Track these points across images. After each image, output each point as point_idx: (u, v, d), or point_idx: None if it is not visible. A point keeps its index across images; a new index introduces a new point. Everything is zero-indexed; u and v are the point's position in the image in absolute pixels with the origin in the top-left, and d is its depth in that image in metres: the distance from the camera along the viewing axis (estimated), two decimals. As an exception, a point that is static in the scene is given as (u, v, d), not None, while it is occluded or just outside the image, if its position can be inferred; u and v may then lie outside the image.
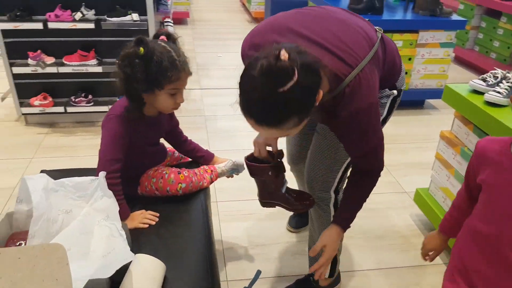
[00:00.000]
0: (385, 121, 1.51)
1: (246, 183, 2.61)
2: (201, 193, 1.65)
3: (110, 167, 1.38)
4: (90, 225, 1.19)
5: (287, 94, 1.00)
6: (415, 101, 3.67)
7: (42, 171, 1.67)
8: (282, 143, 1.55)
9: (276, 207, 1.58)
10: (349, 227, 1.44)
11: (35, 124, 3.03)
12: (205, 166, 1.76)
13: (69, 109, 2.89)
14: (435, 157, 2.16)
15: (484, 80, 1.89)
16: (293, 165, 1.93)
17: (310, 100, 1.07)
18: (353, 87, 1.17)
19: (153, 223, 1.45)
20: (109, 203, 1.23)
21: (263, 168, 1.44)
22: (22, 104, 2.91)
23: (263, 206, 1.59)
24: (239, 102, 1.11)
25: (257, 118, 1.08)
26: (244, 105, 1.10)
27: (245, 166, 1.51)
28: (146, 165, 1.61)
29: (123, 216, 1.37)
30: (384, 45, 1.34)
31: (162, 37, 1.45)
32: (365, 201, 1.42)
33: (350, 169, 1.48)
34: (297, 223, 2.20)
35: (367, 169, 1.37)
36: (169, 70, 1.35)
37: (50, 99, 2.86)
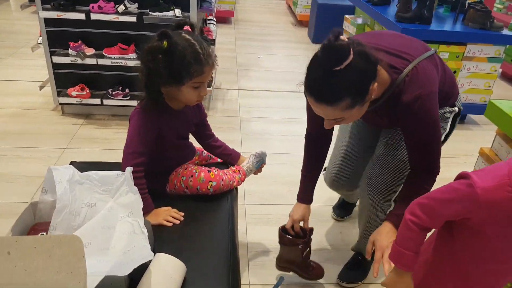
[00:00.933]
0: (447, 137, 1.60)
1: (276, 188, 2.66)
2: (228, 194, 1.61)
3: (131, 160, 1.38)
4: (112, 220, 1.17)
5: (342, 73, 1.11)
6: (456, 115, 3.51)
7: (71, 163, 1.68)
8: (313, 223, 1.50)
9: (291, 272, 1.77)
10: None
11: (70, 115, 3.09)
12: (232, 166, 1.72)
13: (106, 102, 2.93)
14: (474, 175, 2.04)
15: (534, 98, 1.77)
16: (336, 188, 1.98)
17: (364, 84, 1.18)
18: (411, 76, 1.29)
19: (177, 222, 1.42)
20: (134, 199, 1.21)
21: (297, 242, 1.66)
22: (59, 94, 2.97)
23: (279, 270, 1.78)
24: (304, 82, 1.21)
25: (316, 95, 1.19)
26: (306, 84, 1.20)
27: (278, 233, 1.70)
28: (175, 160, 1.59)
29: (146, 210, 1.35)
30: (442, 62, 1.48)
31: (187, 27, 1.42)
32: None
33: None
34: (340, 212, 2.27)
35: (424, 166, 1.40)
36: (192, 65, 1.33)
37: (87, 90, 2.91)
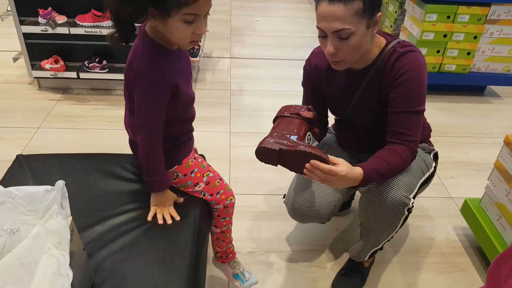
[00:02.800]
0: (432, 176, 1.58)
1: (264, 175, 2.29)
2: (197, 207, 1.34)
3: (149, 143, 1.19)
4: (36, 253, 0.94)
5: None
6: (475, 86, 3.17)
7: (17, 157, 1.45)
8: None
9: (278, 165, 1.32)
10: (366, 183, 1.29)
11: (48, 89, 2.83)
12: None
13: (82, 75, 2.65)
14: (494, 165, 1.76)
15: None
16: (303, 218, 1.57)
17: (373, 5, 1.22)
18: (402, 42, 1.35)
19: (167, 223, 1.25)
20: (62, 225, 0.97)
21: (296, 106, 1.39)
22: (33, 67, 2.70)
23: (259, 154, 1.31)
24: None
25: None
26: None
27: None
28: (187, 124, 1.33)
29: (156, 188, 1.24)
30: None
31: None
32: (390, 170, 1.32)
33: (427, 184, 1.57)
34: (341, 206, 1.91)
35: (405, 136, 1.34)
36: None
37: (62, 62, 2.63)
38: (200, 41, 1.13)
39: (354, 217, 2.01)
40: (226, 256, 1.52)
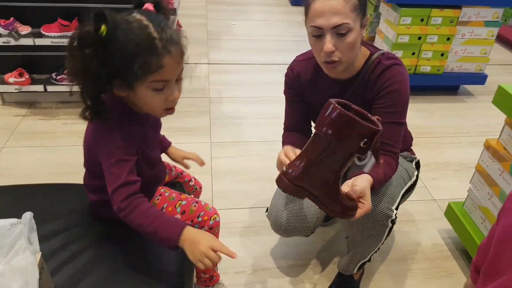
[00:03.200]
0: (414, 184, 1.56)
1: (247, 186, 2.18)
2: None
3: (125, 193, 1.03)
4: (1, 296, 0.85)
5: None
6: (449, 86, 3.21)
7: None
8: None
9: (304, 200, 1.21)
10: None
11: (12, 104, 2.67)
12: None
13: (50, 88, 2.51)
14: (475, 168, 1.75)
15: (553, 81, 1.45)
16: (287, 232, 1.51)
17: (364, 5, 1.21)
18: (386, 54, 1.33)
19: (211, 265, 1.03)
20: (30, 263, 0.87)
21: (365, 126, 0.92)
22: (-3, 81, 2.56)
23: (286, 191, 1.01)
24: None
25: None
26: None
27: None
28: (151, 181, 1.24)
29: (177, 230, 1.01)
30: None
31: (147, 5, 1.03)
32: (384, 181, 1.31)
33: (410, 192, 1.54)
34: (326, 216, 1.81)
35: (388, 147, 1.32)
36: (141, 56, 0.94)
37: (27, 76, 2.50)
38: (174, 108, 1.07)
39: (340, 226, 1.96)
40: (210, 279, 1.44)
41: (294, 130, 1.51)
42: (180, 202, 1.27)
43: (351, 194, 1.12)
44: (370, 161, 1.11)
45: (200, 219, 1.27)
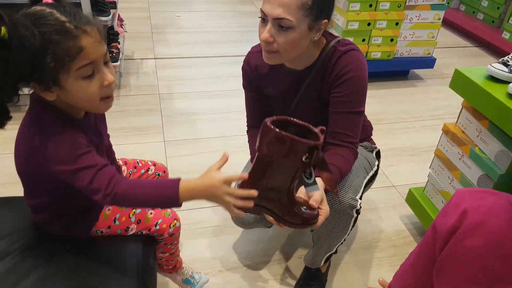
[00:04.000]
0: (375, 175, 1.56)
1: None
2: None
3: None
4: None
5: None
6: (399, 71, 3.25)
7: None
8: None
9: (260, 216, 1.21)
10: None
11: None
12: None
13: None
14: (434, 153, 1.77)
15: (505, 64, 1.47)
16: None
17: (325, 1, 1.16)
18: (342, 41, 1.29)
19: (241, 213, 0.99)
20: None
21: (301, 142, 0.91)
22: None
23: (246, 212, 1.04)
24: None
25: None
26: None
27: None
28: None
29: (172, 186, 0.96)
30: None
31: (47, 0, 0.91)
32: (341, 176, 1.28)
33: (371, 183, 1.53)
34: None
35: (346, 137, 1.30)
36: (58, 43, 0.84)
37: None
38: (112, 95, 0.97)
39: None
40: (173, 267, 1.40)
41: (258, 127, 1.44)
42: (134, 211, 1.18)
43: (312, 205, 1.09)
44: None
45: (158, 227, 1.19)
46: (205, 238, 1.80)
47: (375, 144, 1.60)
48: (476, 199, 0.72)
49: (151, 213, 1.20)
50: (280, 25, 1.13)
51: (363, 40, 2.89)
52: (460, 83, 1.54)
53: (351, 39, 2.82)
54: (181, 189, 0.96)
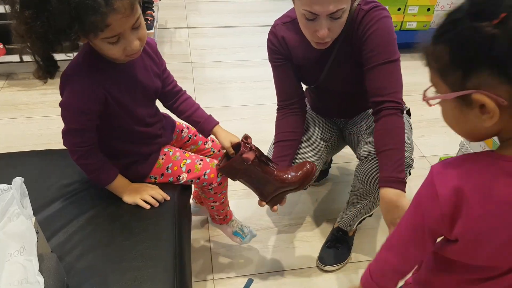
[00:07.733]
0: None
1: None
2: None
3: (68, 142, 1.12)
4: (-3, 262, 0.82)
5: None
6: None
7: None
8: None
9: (285, 197, 1.34)
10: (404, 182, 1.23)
11: (-11, 76, 2.57)
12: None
13: (27, 58, 2.40)
14: (466, 121, 1.75)
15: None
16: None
17: None
18: (364, 1, 1.28)
19: (157, 204, 1.18)
20: (26, 227, 0.84)
21: (237, 159, 1.20)
22: (-31, 51, 2.43)
23: (273, 207, 1.34)
24: None
25: None
26: None
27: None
28: (143, 142, 1.22)
29: (106, 180, 1.16)
30: None
31: None
32: (404, 145, 1.25)
33: None
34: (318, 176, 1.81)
35: (387, 90, 1.27)
36: (86, 19, 0.90)
37: (1, 45, 2.38)
38: (140, 51, 1.06)
39: (332, 186, 1.97)
40: (224, 218, 1.48)
41: (289, 106, 1.44)
42: (184, 161, 1.27)
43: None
44: None
45: (206, 176, 1.27)
46: (239, 200, 1.85)
47: (405, 104, 1.58)
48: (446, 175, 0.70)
49: (199, 164, 1.27)
50: (334, 17, 1.15)
51: (399, 9, 2.84)
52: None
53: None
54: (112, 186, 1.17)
